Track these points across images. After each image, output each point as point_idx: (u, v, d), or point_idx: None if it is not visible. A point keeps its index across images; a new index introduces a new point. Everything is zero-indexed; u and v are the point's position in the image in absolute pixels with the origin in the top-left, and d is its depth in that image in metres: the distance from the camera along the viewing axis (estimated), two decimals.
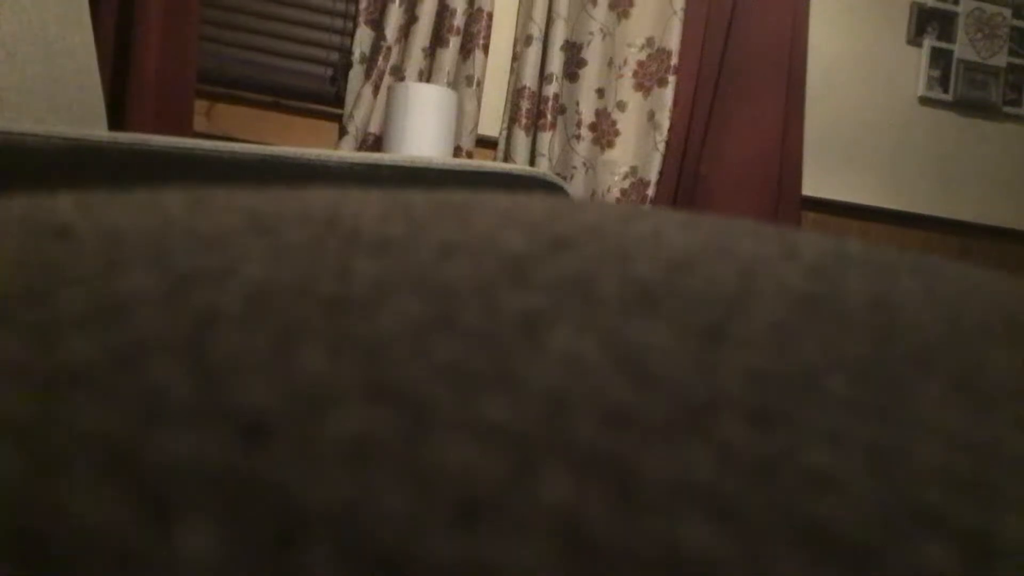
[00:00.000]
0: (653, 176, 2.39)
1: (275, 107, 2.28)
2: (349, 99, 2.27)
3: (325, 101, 2.33)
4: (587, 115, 2.38)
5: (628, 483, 0.08)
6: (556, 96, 2.32)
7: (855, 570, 0.08)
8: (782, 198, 2.47)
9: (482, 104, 2.35)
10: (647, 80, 2.44)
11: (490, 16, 2.30)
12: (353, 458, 0.08)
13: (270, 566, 0.07)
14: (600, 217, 0.17)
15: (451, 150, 2.08)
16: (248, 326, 0.10)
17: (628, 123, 2.44)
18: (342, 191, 0.19)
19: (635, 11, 2.45)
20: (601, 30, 2.38)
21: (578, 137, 2.37)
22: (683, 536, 0.08)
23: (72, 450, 0.08)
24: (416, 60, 2.23)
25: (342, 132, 2.26)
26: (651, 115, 2.42)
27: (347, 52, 2.33)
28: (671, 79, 2.40)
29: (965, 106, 2.77)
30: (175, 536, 0.07)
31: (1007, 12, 2.79)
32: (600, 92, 2.39)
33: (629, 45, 2.45)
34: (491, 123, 2.39)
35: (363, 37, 2.28)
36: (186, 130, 2.10)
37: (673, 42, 2.40)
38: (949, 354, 0.12)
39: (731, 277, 0.14)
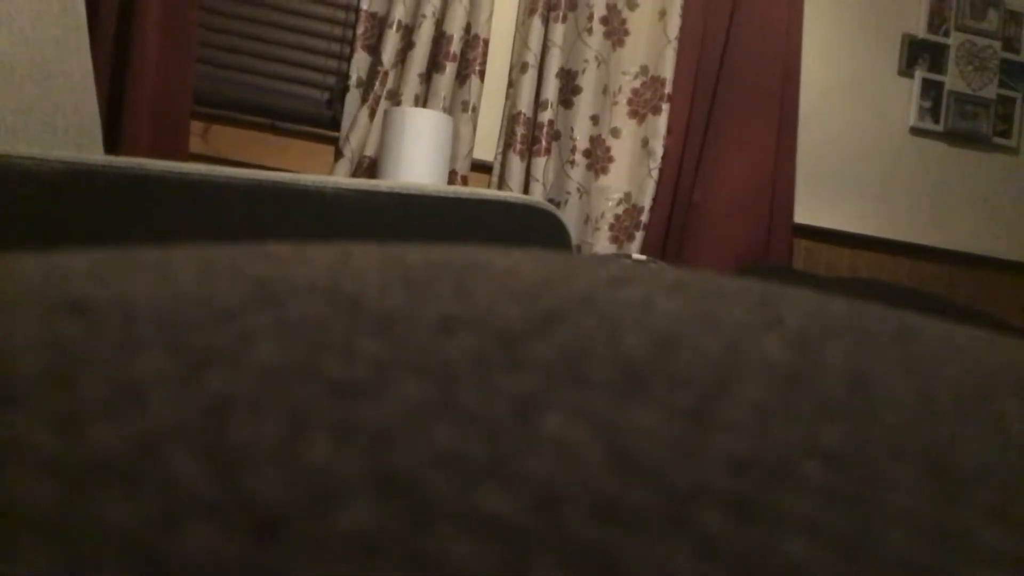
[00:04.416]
0: (647, 202, 2.40)
1: (271, 129, 2.29)
2: (345, 123, 2.29)
3: (321, 124, 2.34)
4: (581, 141, 2.39)
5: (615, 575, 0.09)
6: (551, 122, 2.34)
7: None
8: (774, 226, 2.49)
9: (477, 129, 2.37)
10: (641, 107, 2.46)
11: (486, 43, 2.32)
12: (360, 552, 0.08)
13: None
14: (591, 283, 0.18)
15: (446, 174, 2.09)
16: (259, 412, 0.10)
17: (622, 149, 2.46)
18: (342, 251, 0.19)
19: (629, 40, 2.48)
20: (596, 58, 2.40)
21: (572, 163, 2.39)
22: None
23: (100, 546, 0.08)
24: (412, 85, 2.25)
25: (338, 155, 2.27)
26: (645, 142, 2.44)
27: (344, 76, 2.34)
28: (665, 107, 2.42)
29: (956, 137, 2.80)
30: None
31: (997, 45, 2.83)
32: (594, 119, 2.41)
33: (623, 73, 2.47)
34: (486, 148, 2.41)
35: (360, 62, 2.30)
36: (182, 151, 2.11)
37: (667, 70, 2.43)
38: (922, 436, 0.13)
39: (716, 352, 0.15)
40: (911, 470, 0.12)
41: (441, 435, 0.11)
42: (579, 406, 0.12)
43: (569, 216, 2.36)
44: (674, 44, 2.43)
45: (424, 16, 2.25)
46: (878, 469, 0.11)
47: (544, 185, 2.35)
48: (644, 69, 2.47)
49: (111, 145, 2.02)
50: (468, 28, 2.32)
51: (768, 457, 0.11)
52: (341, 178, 0.89)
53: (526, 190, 2.33)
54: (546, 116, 2.33)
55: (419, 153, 2.01)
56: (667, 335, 0.15)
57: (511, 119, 2.35)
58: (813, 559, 0.09)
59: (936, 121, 2.77)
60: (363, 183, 0.90)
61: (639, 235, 2.39)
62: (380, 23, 2.31)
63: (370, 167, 2.26)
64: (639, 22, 2.49)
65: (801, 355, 0.15)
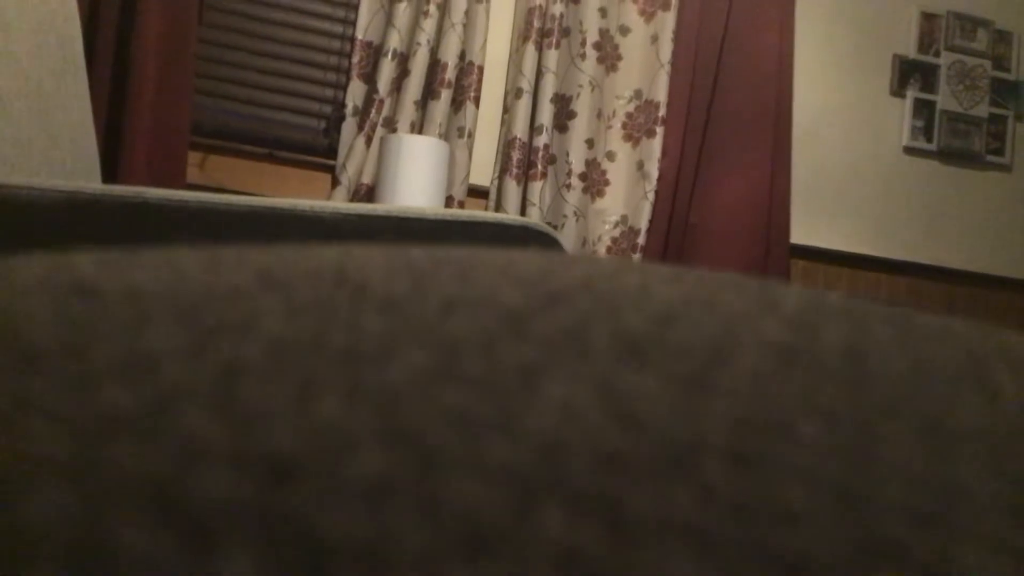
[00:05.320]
0: (643, 225, 2.41)
1: (268, 158, 2.30)
2: (342, 150, 2.30)
3: (318, 153, 2.35)
4: (577, 165, 2.41)
5: (618, 520, 0.09)
6: (546, 147, 2.35)
7: None
8: (771, 246, 2.50)
9: (473, 155, 2.38)
10: (636, 131, 2.48)
11: (481, 70, 2.34)
12: (372, 496, 0.09)
13: None
14: (591, 272, 0.18)
15: (443, 200, 2.10)
16: (270, 376, 0.11)
17: (618, 173, 2.47)
18: (346, 248, 0.20)
19: (623, 64, 2.50)
20: (590, 83, 2.42)
21: (568, 186, 2.40)
22: (669, 568, 0.08)
23: (119, 488, 0.08)
24: (408, 112, 2.27)
25: (335, 183, 2.28)
26: (640, 165, 2.45)
27: (340, 105, 2.36)
28: (659, 130, 2.44)
29: (949, 155, 2.82)
30: (217, 566, 0.08)
31: (987, 64, 2.85)
32: (590, 143, 2.43)
33: (618, 97, 2.49)
34: (482, 173, 2.42)
35: (356, 90, 2.32)
36: (179, 181, 2.12)
37: (661, 94, 2.45)
38: (916, 401, 0.13)
39: (714, 329, 0.15)
40: (906, 429, 0.12)
41: (447, 396, 0.11)
42: (581, 372, 0.12)
43: (566, 239, 2.37)
44: (667, 68, 2.45)
45: (419, 44, 2.27)
46: (874, 428, 0.12)
47: (541, 209, 2.35)
48: (638, 93, 2.49)
49: (109, 176, 2.03)
50: (463, 55, 2.34)
51: (766, 417, 0.11)
52: (339, 203, 0.89)
53: (523, 214, 2.34)
54: (541, 141, 2.35)
55: (416, 179, 2.02)
56: (666, 314, 0.16)
57: (507, 144, 2.37)
58: (811, 504, 0.10)
59: (929, 140, 2.79)
60: (361, 207, 0.91)
61: (636, 257, 2.40)
62: (375, 52, 2.33)
63: (367, 194, 2.27)
64: (631, 47, 2.51)
65: (797, 333, 0.16)
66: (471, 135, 2.33)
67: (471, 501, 0.09)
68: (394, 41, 2.28)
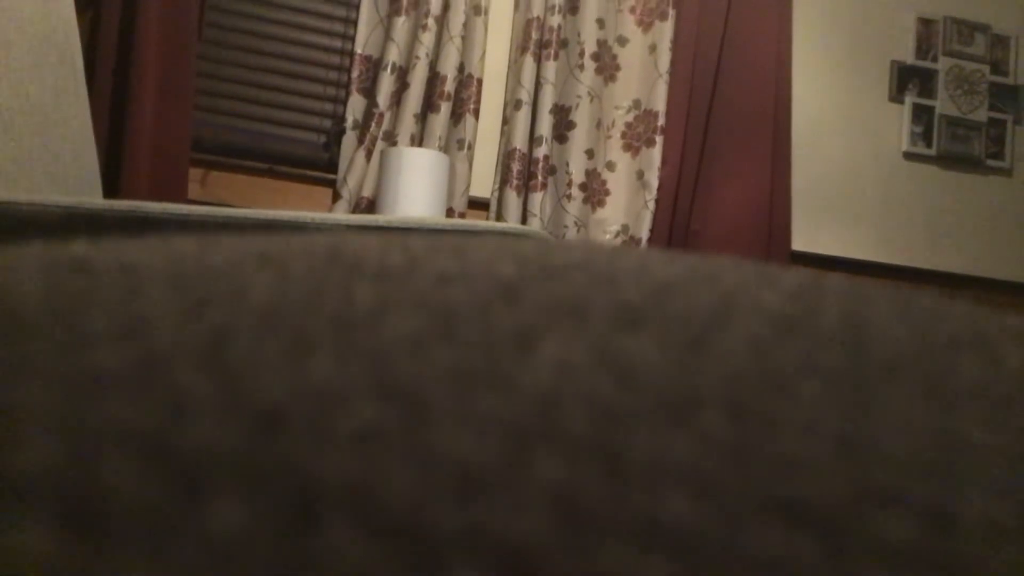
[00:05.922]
0: (644, 234, 2.41)
1: (269, 174, 2.31)
2: (342, 164, 2.30)
3: (319, 167, 2.36)
4: (577, 175, 2.41)
5: (614, 464, 0.09)
6: (546, 157, 2.36)
7: (824, 539, 0.08)
8: (772, 253, 2.49)
9: (473, 167, 2.39)
10: (635, 140, 2.48)
11: (479, 82, 2.35)
12: (362, 443, 0.09)
13: (293, 536, 0.07)
14: (588, 252, 0.18)
15: (443, 212, 2.10)
16: (260, 338, 0.11)
17: (618, 182, 2.48)
18: (341, 235, 0.20)
19: (621, 74, 2.51)
20: (589, 93, 2.43)
21: (569, 197, 2.40)
22: (665, 509, 0.08)
23: (108, 439, 0.08)
24: (408, 125, 2.27)
25: (336, 197, 2.29)
26: (640, 174, 2.46)
27: (340, 119, 2.37)
28: (658, 139, 2.44)
29: (948, 160, 2.82)
30: (206, 510, 0.08)
31: (985, 68, 2.86)
32: (589, 153, 2.43)
33: (616, 107, 2.50)
34: (483, 185, 2.42)
35: (355, 104, 2.32)
36: (180, 197, 2.12)
37: (659, 103, 2.45)
38: (917, 363, 0.13)
39: (713, 300, 0.15)
40: (907, 387, 0.12)
41: (439, 355, 0.11)
42: (578, 336, 0.12)
43: None
44: (665, 78, 2.46)
45: (418, 58, 2.28)
46: (874, 386, 0.12)
47: (541, 220, 2.36)
48: (636, 103, 2.50)
49: (110, 193, 2.04)
50: (461, 68, 2.35)
51: (765, 375, 0.11)
52: (340, 215, 0.89)
53: (524, 225, 2.34)
54: (541, 152, 2.35)
55: (416, 192, 2.03)
56: (664, 286, 0.15)
57: (507, 155, 2.37)
58: (811, 452, 0.10)
59: (928, 145, 2.79)
60: (362, 218, 0.91)
61: None
62: (374, 66, 2.34)
63: (368, 207, 2.27)
64: (630, 57, 2.52)
65: (796, 304, 0.16)
66: (471, 147, 2.33)
67: (463, 448, 0.09)
68: (393, 55, 2.29)
